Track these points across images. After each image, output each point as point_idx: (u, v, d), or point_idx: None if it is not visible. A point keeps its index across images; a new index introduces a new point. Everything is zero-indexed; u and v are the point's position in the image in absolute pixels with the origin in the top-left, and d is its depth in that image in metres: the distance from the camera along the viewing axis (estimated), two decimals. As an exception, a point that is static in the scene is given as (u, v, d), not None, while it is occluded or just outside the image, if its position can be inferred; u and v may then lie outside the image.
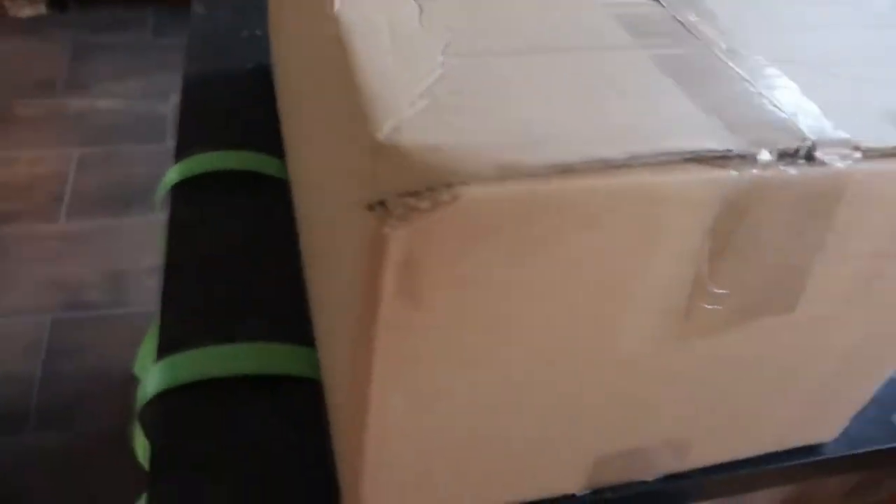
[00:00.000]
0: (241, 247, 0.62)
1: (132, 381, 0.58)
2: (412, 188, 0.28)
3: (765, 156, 0.32)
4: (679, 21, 0.41)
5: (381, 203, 0.29)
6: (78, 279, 1.40)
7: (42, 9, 2.08)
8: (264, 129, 0.72)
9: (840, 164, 0.34)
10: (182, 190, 0.67)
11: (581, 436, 0.45)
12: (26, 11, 2.06)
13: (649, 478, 0.51)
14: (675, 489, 0.52)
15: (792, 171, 0.33)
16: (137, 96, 1.81)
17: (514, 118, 0.31)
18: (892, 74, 0.40)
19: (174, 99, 1.73)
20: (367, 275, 0.31)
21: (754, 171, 0.32)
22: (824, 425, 0.55)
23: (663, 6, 0.42)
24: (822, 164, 0.33)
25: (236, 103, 0.74)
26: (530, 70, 0.35)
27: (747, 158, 0.32)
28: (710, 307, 0.38)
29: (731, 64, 0.38)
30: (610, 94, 0.34)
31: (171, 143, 1.62)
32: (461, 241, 0.30)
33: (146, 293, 1.35)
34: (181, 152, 0.70)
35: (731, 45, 0.40)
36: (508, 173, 0.29)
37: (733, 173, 0.32)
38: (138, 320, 1.29)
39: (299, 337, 0.55)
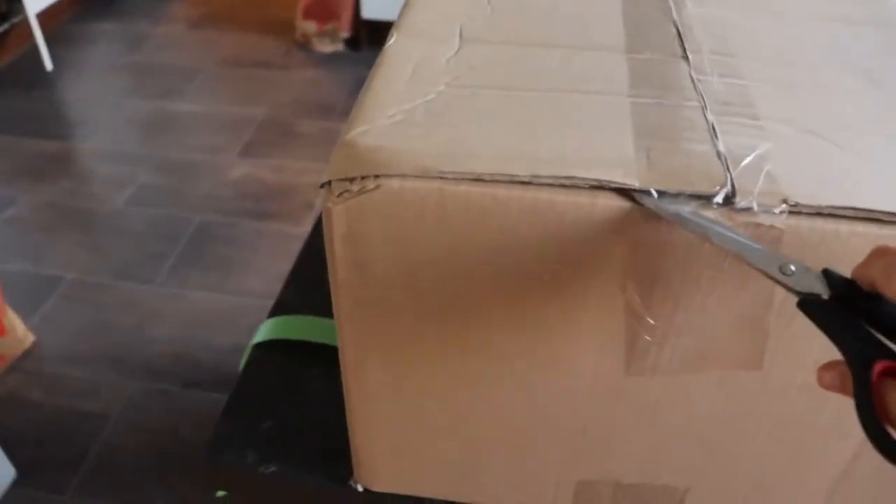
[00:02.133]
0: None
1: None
2: (350, 175, 0.36)
3: (678, 196, 0.36)
4: (693, 79, 0.45)
5: (328, 183, 0.37)
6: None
7: (340, 46, 2.42)
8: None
9: (763, 215, 0.36)
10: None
11: (551, 452, 0.48)
12: (328, 47, 2.42)
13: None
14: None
15: (706, 213, 0.36)
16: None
17: (457, 137, 0.38)
18: (872, 145, 0.40)
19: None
20: (328, 246, 0.39)
21: (657, 208, 0.35)
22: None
23: (689, 64, 0.46)
24: (742, 211, 0.36)
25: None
26: (508, 103, 0.41)
27: (650, 195, 0.36)
28: (650, 340, 0.41)
29: (709, 117, 0.41)
30: (562, 128, 0.39)
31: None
32: (389, 223, 0.37)
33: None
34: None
35: (730, 100, 0.42)
36: (425, 174, 0.36)
37: (632, 205, 0.35)
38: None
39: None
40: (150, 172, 1.95)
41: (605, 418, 0.45)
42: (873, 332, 0.28)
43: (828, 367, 0.30)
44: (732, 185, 0.36)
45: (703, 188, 0.36)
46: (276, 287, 0.71)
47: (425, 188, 0.36)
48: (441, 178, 0.36)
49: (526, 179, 0.35)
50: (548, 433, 0.47)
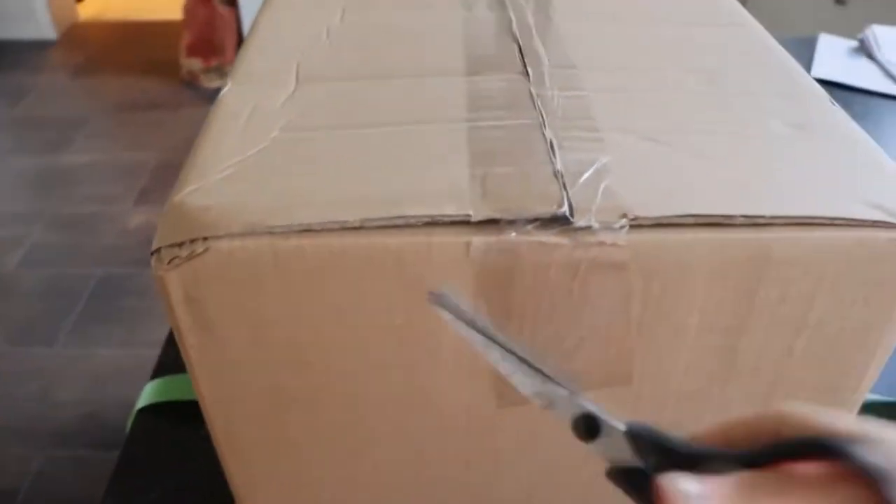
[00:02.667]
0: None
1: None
2: (178, 240, 0.35)
3: (516, 223, 0.35)
4: (532, 95, 0.44)
5: (158, 251, 0.35)
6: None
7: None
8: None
9: (608, 235, 0.35)
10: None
11: (441, 490, 0.47)
12: (215, 83, 2.38)
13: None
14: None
15: (546, 238, 0.35)
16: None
17: (287, 187, 0.37)
18: (712, 144, 0.40)
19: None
20: (169, 312, 0.37)
21: (496, 237, 0.35)
22: None
23: (529, 80, 0.46)
24: (585, 233, 0.35)
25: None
26: (341, 144, 0.40)
27: (495, 225, 0.35)
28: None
29: (547, 134, 0.41)
30: (395, 166, 0.38)
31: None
32: (226, 285, 0.36)
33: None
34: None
35: (569, 114, 0.42)
36: (254, 230, 0.34)
37: (473, 238, 0.35)
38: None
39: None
40: (43, 230, 1.88)
41: (488, 451, 0.45)
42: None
43: None
44: (569, 204, 0.36)
45: (539, 210, 0.35)
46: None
47: (256, 246, 0.34)
48: (270, 233, 0.34)
49: (356, 224, 0.34)
50: (432, 471, 0.46)
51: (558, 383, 0.29)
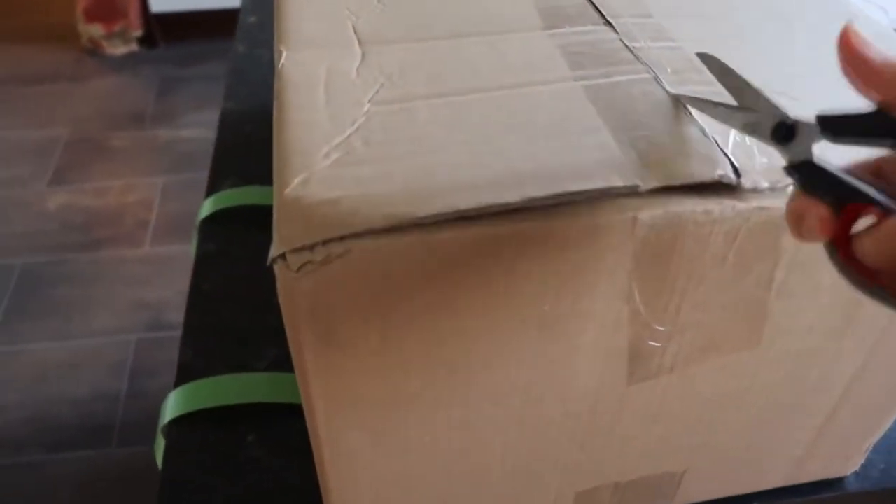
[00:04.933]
0: (259, 279, 0.65)
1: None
2: (309, 242, 0.30)
3: (678, 190, 0.32)
4: (630, 48, 0.41)
5: (283, 257, 0.30)
6: (161, 301, 1.49)
7: (134, 46, 2.21)
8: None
9: (771, 197, 0.33)
10: (211, 224, 0.70)
11: (548, 474, 0.44)
12: (120, 49, 2.20)
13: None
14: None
15: (712, 205, 0.32)
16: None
17: (417, 166, 0.32)
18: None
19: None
20: (290, 323, 0.32)
21: (663, 209, 0.31)
22: (839, 459, 0.52)
23: (616, 32, 0.42)
24: (749, 195, 0.33)
25: (268, 140, 0.77)
26: (450, 113, 0.35)
27: (659, 194, 0.32)
28: (655, 345, 0.37)
29: (670, 90, 0.37)
30: (530, 134, 0.34)
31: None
32: (364, 288, 0.31)
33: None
34: (213, 186, 0.74)
35: (677, 67, 0.39)
36: (400, 223, 0.30)
37: (640, 214, 0.31)
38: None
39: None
40: (-52, 223, 1.72)
41: (606, 430, 0.42)
42: (853, 180, 0.26)
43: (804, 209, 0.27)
44: (733, 166, 0.33)
45: (704, 174, 0.32)
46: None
47: (405, 241, 0.30)
48: (420, 224, 0.30)
49: (519, 205, 0.30)
50: (544, 457, 0.43)
51: (759, 108, 0.32)
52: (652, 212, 0.31)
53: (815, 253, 0.35)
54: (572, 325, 0.35)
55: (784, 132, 0.29)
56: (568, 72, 0.38)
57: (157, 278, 1.56)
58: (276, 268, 0.30)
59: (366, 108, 0.36)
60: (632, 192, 0.31)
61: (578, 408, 0.40)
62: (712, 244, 0.33)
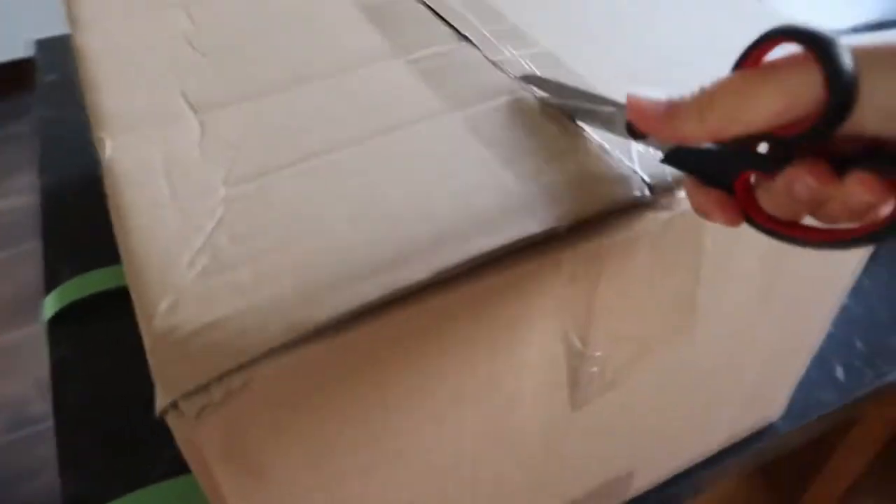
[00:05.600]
0: (127, 375, 0.57)
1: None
2: (202, 381, 0.25)
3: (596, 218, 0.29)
4: (493, 62, 0.37)
5: (174, 405, 0.25)
6: (19, 395, 1.34)
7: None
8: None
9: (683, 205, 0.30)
10: (59, 325, 0.62)
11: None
12: None
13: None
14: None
15: (633, 223, 0.30)
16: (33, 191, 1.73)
17: (301, 257, 0.27)
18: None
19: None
20: (199, 469, 0.27)
21: (585, 243, 0.29)
22: (766, 409, 0.53)
23: (476, 47, 0.39)
24: (666, 201, 0.30)
25: (98, 211, 0.69)
26: (319, 180, 0.31)
27: (578, 228, 0.29)
28: (594, 370, 0.35)
29: (554, 102, 0.34)
30: (413, 186, 0.30)
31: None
32: (279, 410, 0.26)
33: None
34: (51, 279, 0.65)
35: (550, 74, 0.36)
36: (301, 333, 0.25)
37: (566, 253, 0.28)
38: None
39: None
40: None
41: (553, 457, 0.39)
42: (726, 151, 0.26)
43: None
44: (645, 182, 0.30)
45: (621, 198, 0.30)
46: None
47: (310, 352, 0.25)
48: (321, 329, 0.25)
49: (429, 280, 0.26)
50: (500, 494, 0.40)
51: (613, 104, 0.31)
52: (575, 249, 0.28)
53: (734, 236, 0.34)
54: (510, 378, 0.32)
55: (636, 130, 0.28)
56: (438, 103, 0.35)
57: (9, 371, 1.41)
58: (169, 418, 0.25)
59: (222, 194, 0.31)
60: (550, 236, 0.28)
61: (527, 443, 0.37)
62: (639, 257, 0.31)
